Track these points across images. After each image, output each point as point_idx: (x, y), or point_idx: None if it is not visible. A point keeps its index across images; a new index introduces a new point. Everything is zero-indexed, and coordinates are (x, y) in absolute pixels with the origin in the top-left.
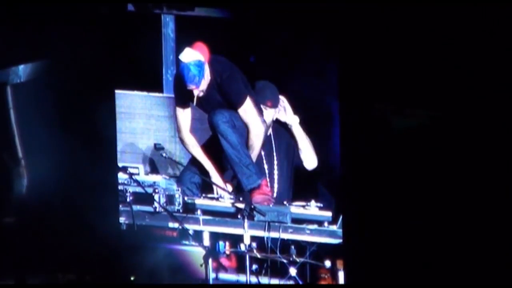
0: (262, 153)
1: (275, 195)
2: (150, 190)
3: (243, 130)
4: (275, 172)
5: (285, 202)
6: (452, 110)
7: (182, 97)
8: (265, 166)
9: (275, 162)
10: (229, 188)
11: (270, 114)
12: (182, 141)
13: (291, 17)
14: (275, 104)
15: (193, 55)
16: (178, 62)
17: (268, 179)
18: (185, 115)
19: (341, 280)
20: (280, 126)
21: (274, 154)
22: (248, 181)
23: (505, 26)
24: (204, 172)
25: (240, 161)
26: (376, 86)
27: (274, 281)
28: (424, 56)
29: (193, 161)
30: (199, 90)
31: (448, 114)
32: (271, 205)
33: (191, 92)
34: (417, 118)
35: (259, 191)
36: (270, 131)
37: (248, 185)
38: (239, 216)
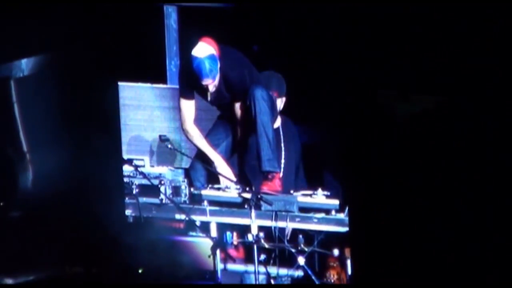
0: None
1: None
2: (156, 182)
3: (274, 116)
4: (282, 163)
5: (291, 191)
6: (459, 95)
7: (188, 89)
8: None
9: (283, 154)
10: (234, 177)
11: (276, 103)
12: (186, 132)
13: (294, 6)
14: (281, 94)
15: (207, 49)
16: (189, 57)
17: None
18: (189, 107)
19: (350, 268)
20: (288, 118)
21: (282, 145)
22: (269, 164)
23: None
24: (210, 163)
25: (268, 140)
26: (380, 72)
27: (283, 271)
28: (428, 40)
29: (200, 153)
30: (213, 84)
31: (455, 100)
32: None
33: (204, 87)
34: (423, 104)
35: (270, 183)
36: (278, 123)
37: (267, 167)
38: (246, 206)
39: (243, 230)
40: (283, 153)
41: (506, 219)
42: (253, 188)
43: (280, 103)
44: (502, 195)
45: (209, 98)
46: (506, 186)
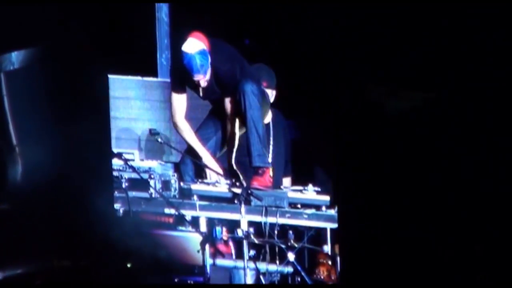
0: None
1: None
2: (145, 176)
3: (264, 111)
4: (270, 157)
5: (282, 187)
6: (449, 91)
7: (179, 84)
8: None
9: (271, 149)
10: (222, 172)
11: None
12: (176, 126)
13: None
14: (270, 85)
15: (197, 45)
16: (180, 53)
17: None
18: (180, 101)
19: (339, 264)
20: (278, 112)
21: (271, 140)
22: (259, 159)
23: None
24: (199, 158)
25: (258, 135)
26: (369, 67)
27: (272, 267)
28: (419, 35)
29: (190, 147)
30: (204, 79)
31: (445, 96)
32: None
33: (195, 82)
34: (413, 100)
35: (261, 179)
36: (269, 118)
37: (257, 163)
38: (236, 201)
39: (233, 225)
40: (271, 147)
41: (496, 213)
42: (243, 183)
43: (270, 95)
44: (494, 191)
45: (201, 94)
46: (498, 182)
